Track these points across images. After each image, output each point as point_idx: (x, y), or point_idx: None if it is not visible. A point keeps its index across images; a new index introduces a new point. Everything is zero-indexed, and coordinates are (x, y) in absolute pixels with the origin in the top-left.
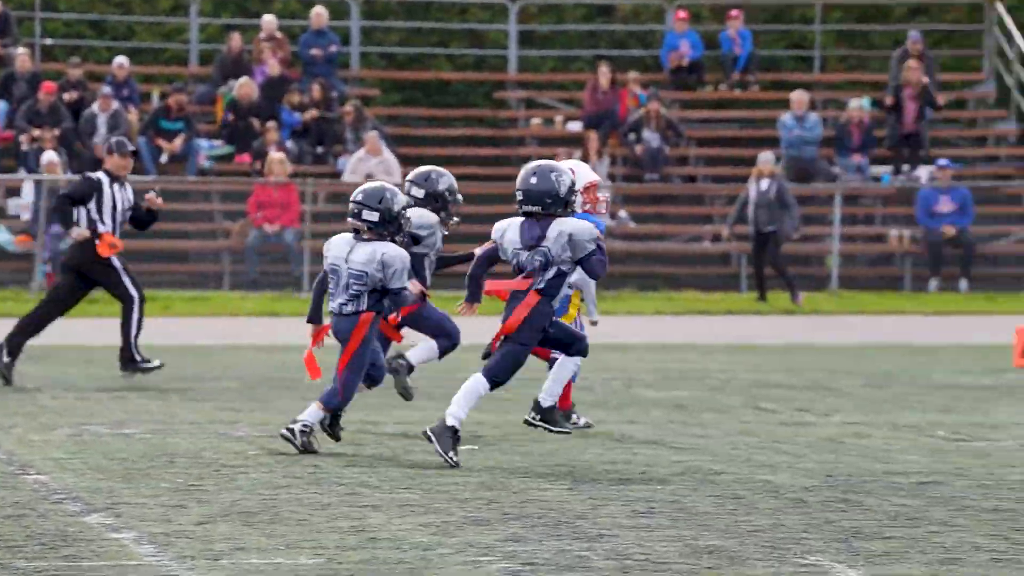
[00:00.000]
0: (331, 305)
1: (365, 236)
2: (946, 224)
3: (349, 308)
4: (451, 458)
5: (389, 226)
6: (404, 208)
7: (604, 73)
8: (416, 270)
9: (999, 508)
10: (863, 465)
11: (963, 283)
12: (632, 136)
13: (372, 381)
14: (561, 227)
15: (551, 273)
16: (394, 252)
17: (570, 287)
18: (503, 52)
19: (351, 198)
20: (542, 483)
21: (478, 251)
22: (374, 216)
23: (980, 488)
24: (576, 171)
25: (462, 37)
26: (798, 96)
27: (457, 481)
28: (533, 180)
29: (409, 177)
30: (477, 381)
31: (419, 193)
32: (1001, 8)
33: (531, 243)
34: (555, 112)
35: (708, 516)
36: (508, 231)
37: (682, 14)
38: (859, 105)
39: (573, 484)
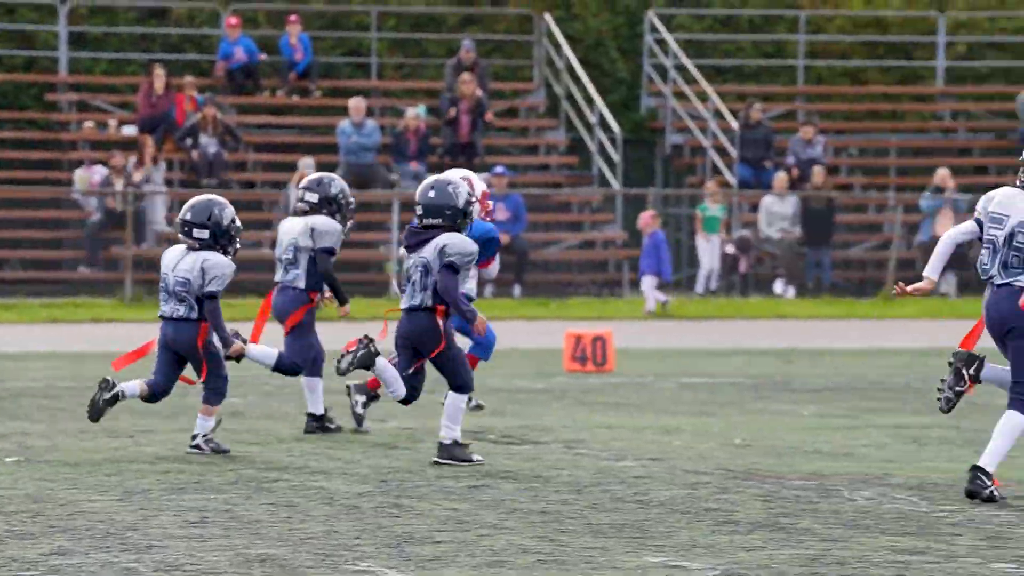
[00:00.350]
0: (161, 310)
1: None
2: (502, 231)
3: (180, 313)
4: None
5: (221, 240)
6: (233, 220)
7: (159, 76)
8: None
9: (546, 510)
10: (416, 470)
11: (516, 288)
12: (189, 141)
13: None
14: (437, 241)
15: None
16: (215, 260)
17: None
18: (53, 54)
19: (179, 216)
20: (92, 495)
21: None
22: (204, 233)
23: (528, 491)
24: (472, 180)
25: (10, 38)
26: (355, 103)
27: (1, 494)
28: (431, 194)
29: (302, 184)
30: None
31: (313, 198)
32: (550, 19)
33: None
34: (108, 116)
35: (261, 524)
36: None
37: (233, 20)
38: (415, 114)
39: (124, 495)
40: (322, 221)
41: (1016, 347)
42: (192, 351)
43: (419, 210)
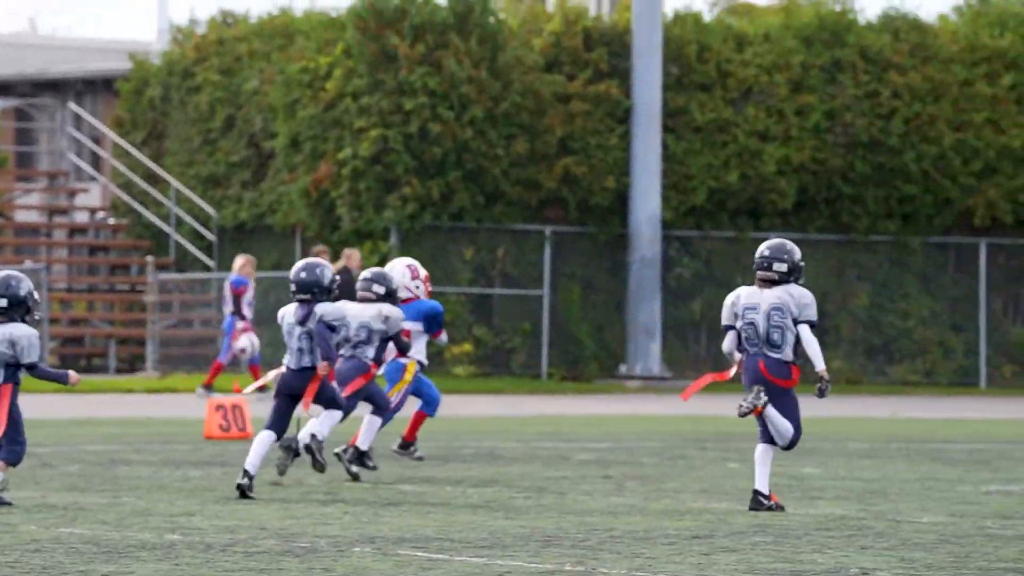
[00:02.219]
0: None
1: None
2: None
3: None
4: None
5: (18, 309)
6: (30, 292)
7: None
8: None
9: None
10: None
11: None
12: None
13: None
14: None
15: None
16: (21, 332)
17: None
18: None
19: None
20: None
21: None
22: (2, 302)
23: None
24: (417, 268)
25: None
26: None
27: None
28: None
29: (365, 275)
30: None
31: (380, 290)
32: None
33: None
34: None
35: None
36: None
37: None
38: None
39: None
40: (391, 309)
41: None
42: None
43: (294, 287)
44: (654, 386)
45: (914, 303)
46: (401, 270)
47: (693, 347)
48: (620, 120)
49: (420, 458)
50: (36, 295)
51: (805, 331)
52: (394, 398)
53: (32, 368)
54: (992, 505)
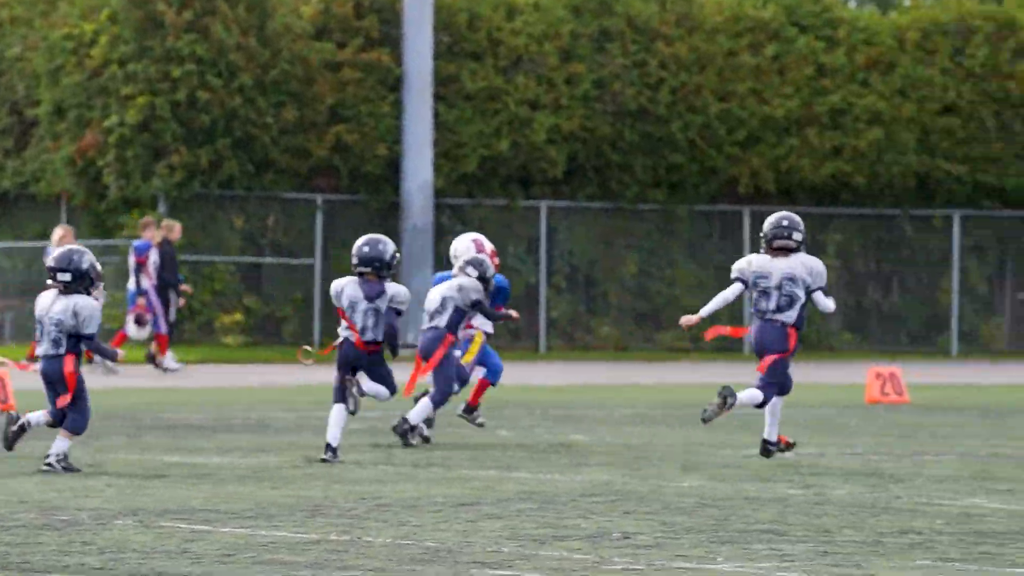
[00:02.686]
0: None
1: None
2: None
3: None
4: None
5: (81, 282)
6: (92, 265)
7: None
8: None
9: None
10: None
11: None
12: None
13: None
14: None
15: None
16: (84, 303)
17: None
18: None
19: (47, 263)
20: None
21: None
22: (66, 276)
23: None
24: (483, 242)
25: None
26: None
27: None
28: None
29: (466, 259)
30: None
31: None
32: None
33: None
34: None
35: None
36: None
37: None
38: None
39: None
40: (466, 280)
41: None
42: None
43: (356, 261)
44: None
45: (681, 271)
46: (466, 244)
47: None
48: (392, 88)
49: (481, 424)
50: (99, 268)
51: (820, 296)
52: (465, 367)
53: (89, 339)
54: (752, 468)
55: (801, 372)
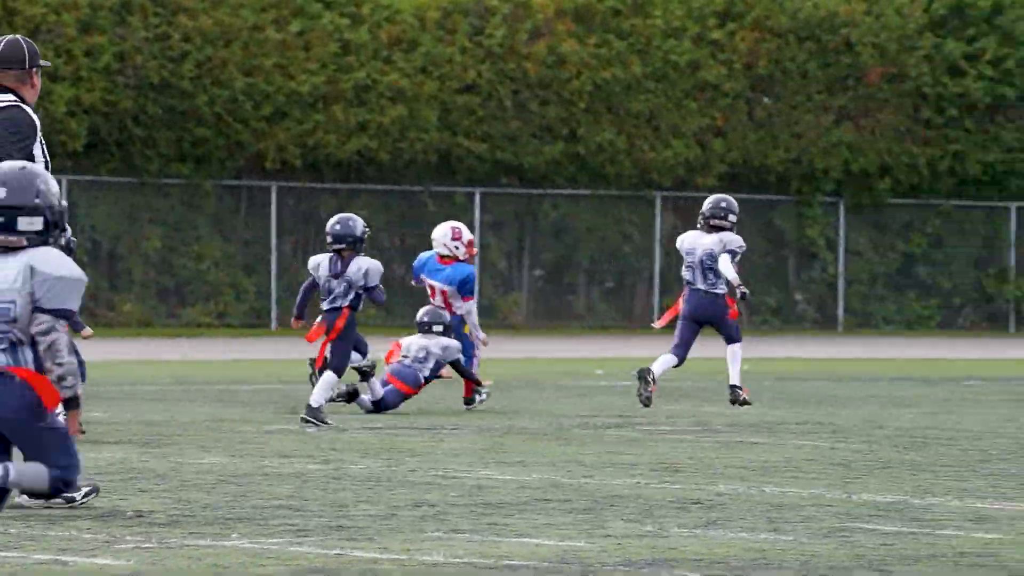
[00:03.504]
0: None
1: None
2: None
3: None
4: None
5: (358, 245)
6: (365, 230)
7: None
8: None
9: None
10: None
11: None
12: None
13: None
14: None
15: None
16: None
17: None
18: None
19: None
20: None
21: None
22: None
23: None
24: (461, 230)
25: None
26: None
27: None
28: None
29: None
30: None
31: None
32: None
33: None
34: None
35: None
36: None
37: None
38: None
39: None
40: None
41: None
42: None
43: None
44: None
45: (207, 246)
46: (444, 229)
47: None
48: None
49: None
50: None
51: (724, 257)
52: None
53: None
54: (272, 444)
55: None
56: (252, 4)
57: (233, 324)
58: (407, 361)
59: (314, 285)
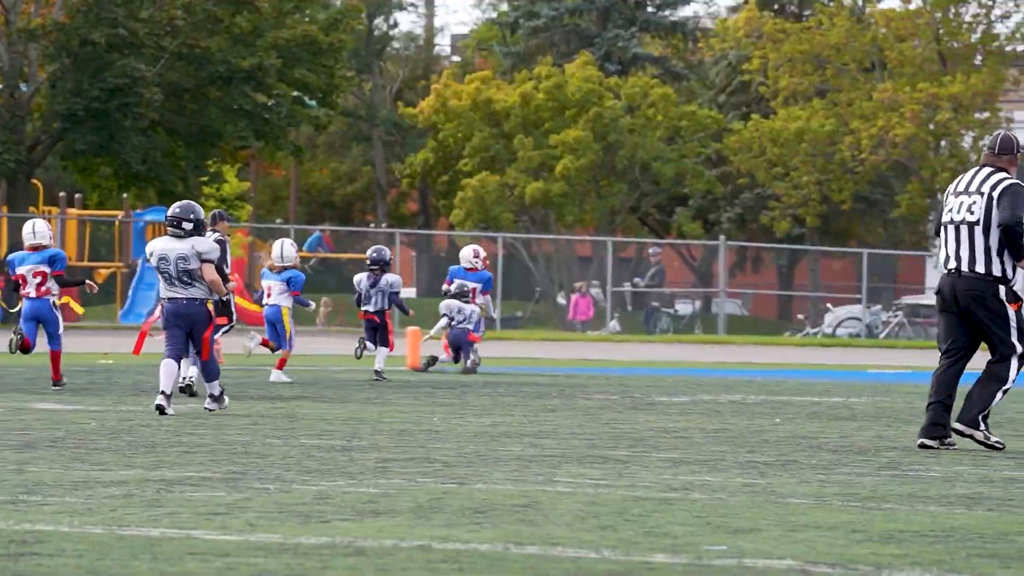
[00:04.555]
0: None
1: None
2: None
3: None
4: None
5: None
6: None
7: None
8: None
9: None
10: None
11: None
12: None
13: None
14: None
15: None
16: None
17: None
18: None
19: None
20: None
21: None
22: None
23: None
24: (479, 250)
25: None
26: None
27: None
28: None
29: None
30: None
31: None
32: None
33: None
34: None
35: None
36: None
37: None
38: None
39: None
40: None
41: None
42: None
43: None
44: None
45: None
46: (473, 249)
47: None
48: None
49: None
50: None
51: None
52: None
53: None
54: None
55: None
56: None
57: None
58: (456, 324)
59: None
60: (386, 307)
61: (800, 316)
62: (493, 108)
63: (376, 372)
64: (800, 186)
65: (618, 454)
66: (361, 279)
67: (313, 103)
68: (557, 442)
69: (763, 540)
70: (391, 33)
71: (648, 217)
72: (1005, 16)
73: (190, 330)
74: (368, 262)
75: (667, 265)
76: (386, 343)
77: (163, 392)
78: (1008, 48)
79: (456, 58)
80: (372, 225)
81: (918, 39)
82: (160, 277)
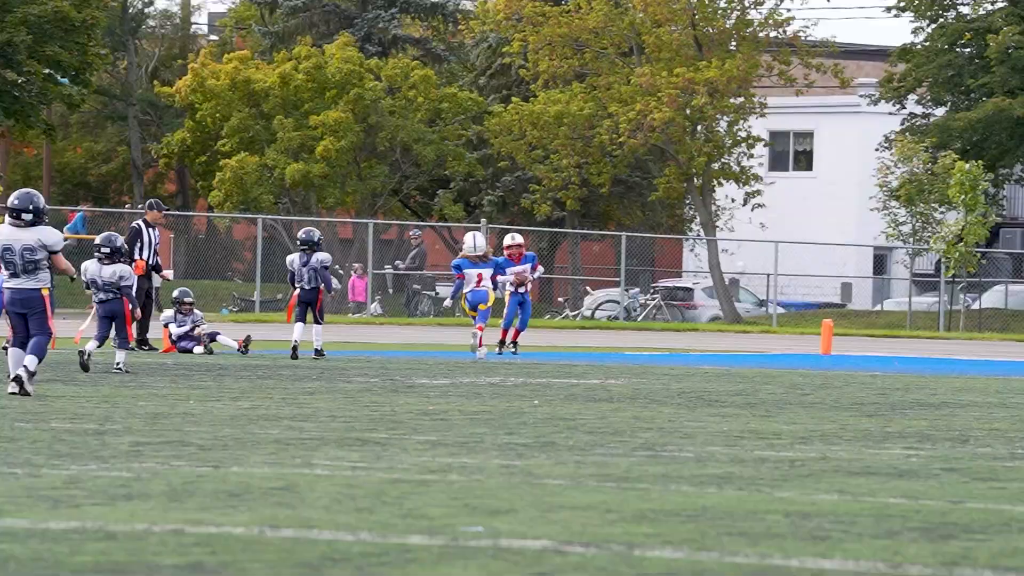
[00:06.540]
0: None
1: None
2: None
3: None
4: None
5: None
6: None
7: None
8: None
9: None
10: None
11: None
12: None
13: None
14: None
15: None
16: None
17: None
18: None
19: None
20: None
21: None
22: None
23: None
24: (514, 236)
25: None
26: None
27: None
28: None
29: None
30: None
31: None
32: None
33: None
34: None
35: None
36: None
37: None
38: None
39: None
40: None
41: None
42: None
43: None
44: None
45: None
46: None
47: None
48: None
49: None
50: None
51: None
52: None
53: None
54: None
55: None
56: None
57: None
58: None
59: None
60: (319, 284)
61: (560, 299)
62: (252, 88)
63: (316, 351)
64: (560, 169)
65: (377, 436)
66: (294, 259)
67: (65, 80)
68: (316, 425)
69: (519, 521)
70: (147, 11)
71: (410, 199)
72: (758, 3)
73: (26, 316)
74: (299, 243)
75: (429, 248)
76: (320, 320)
77: (15, 378)
78: (761, 34)
79: (214, 37)
80: (128, 206)
81: (675, 24)
82: (3, 266)
